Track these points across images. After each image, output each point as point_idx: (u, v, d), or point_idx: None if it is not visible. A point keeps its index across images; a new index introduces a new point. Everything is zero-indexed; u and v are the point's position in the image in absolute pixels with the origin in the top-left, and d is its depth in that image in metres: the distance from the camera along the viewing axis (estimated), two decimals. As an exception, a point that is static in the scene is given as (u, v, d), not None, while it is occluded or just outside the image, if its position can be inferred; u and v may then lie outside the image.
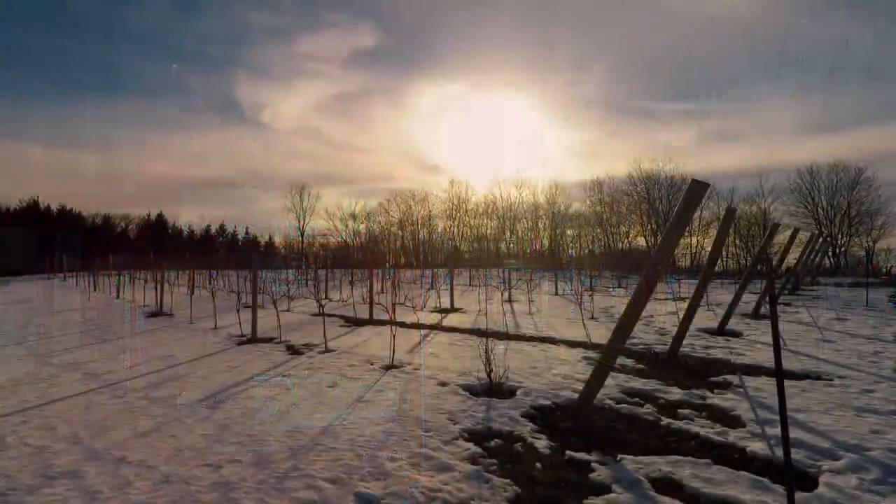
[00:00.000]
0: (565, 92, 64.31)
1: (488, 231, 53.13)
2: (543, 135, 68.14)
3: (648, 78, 61.99)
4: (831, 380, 4.93)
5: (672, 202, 42.12)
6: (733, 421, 3.82)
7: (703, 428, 3.64)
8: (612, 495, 2.68)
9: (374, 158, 75.26)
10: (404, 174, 80.00)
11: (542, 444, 3.39)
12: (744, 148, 56.00)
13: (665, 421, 3.81)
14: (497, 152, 71.80)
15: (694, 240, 42.52)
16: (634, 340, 7.09)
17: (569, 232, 49.75)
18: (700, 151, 55.73)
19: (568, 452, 3.23)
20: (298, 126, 70.66)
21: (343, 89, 71.79)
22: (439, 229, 55.09)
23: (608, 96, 63.82)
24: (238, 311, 8.90)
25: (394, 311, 6.46)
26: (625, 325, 3.74)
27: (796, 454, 3.12)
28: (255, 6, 62.63)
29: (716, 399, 4.35)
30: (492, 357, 4.78)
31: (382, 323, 9.06)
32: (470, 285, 19.01)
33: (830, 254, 37.61)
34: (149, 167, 72.40)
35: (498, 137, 71.01)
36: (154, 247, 25.07)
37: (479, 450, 3.26)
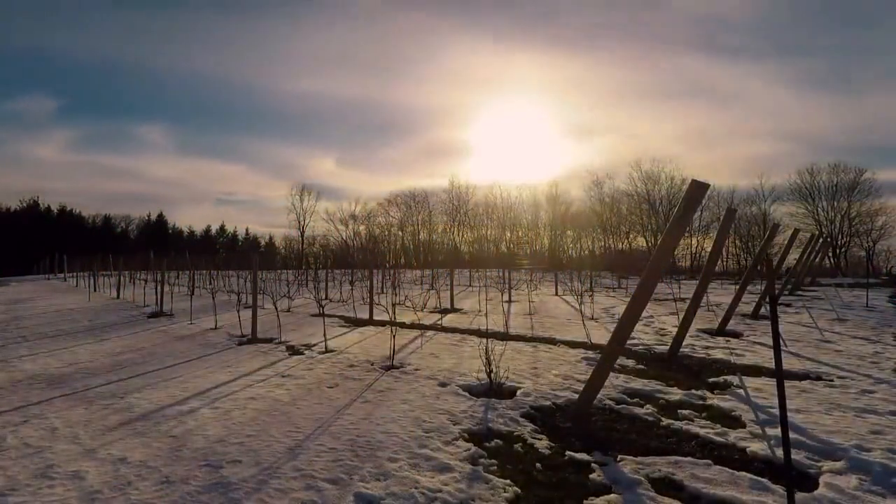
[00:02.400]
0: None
1: (488, 231, 53.16)
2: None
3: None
4: (831, 380, 4.93)
5: (672, 202, 42.12)
6: (733, 421, 3.82)
7: (703, 428, 3.64)
8: (612, 495, 2.68)
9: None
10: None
11: (542, 444, 3.39)
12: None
13: (665, 421, 3.81)
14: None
15: (694, 240, 42.51)
16: (634, 341, 7.09)
17: (569, 232, 49.76)
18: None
19: (568, 453, 3.23)
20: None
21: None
22: (439, 230, 55.12)
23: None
24: (238, 311, 8.91)
25: (394, 312, 6.46)
26: (625, 325, 3.74)
27: (796, 454, 3.12)
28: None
29: (716, 399, 4.35)
30: (492, 357, 4.78)
31: (382, 323, 9.05)
32: (470, 285, 19.00)
33: (830, 254, 37.60)
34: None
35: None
36: (154, 247, 25.07)
37: (479, 450, 3.26)
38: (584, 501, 2.65)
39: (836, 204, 39.56)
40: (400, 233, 56.10)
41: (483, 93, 71.93)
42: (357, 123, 76.06)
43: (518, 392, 4.51)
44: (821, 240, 19.04)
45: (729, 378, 5.03)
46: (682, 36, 59.84)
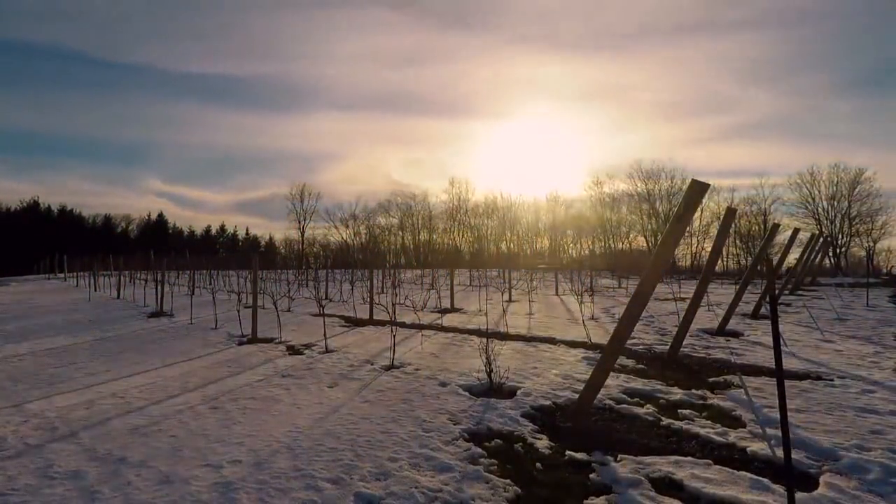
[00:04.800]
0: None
1: (488, 231, 53.18)
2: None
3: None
4: (832, 380, 4.93)
5: (672, 202, 42.13)
6: (734, 421, 3.82)
7: (703, 428, 3.64)
8: (612, 495, 2.68)
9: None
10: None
11: (542, 444, 3.39)
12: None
13: (665, 421, 3.81)
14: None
15: (694, 240, 42.53)
16: (635, 340, 7.09)
17: (569, 232, 49.80)
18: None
19: (568, 452, 3.23)
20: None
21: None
22: (439, 229, 55.18)
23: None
24: (238, 311, 8.91)
25: (394, 312, 6.46)
26: (625, 324, 3.73)
27: (796, 454, 3.12)
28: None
29: (716, 399, 4.35)
30: (492, 357, 4.78)
31: (382, 323, 9.06)
32: (470, 285, 19.00)
33: (831, 254, 37.60)
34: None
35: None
36: (154, 247, 25.11)
37: (479, 450, 3.26)
38: (585, 501, 2.65)
39: (836, 204, 39.58)
40: (400, 233, 56.17)
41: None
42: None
43: (518, 392, 4.51)
44: (821, 239, 19.03)
45: (729, 378, 5.03)
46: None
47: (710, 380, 5.01)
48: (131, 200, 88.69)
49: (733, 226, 33.99)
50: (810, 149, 59.86)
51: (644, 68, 65.79)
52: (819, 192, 40.06)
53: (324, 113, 76.78)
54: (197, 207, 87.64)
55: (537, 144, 73.27)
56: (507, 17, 67.45)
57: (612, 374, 4.81)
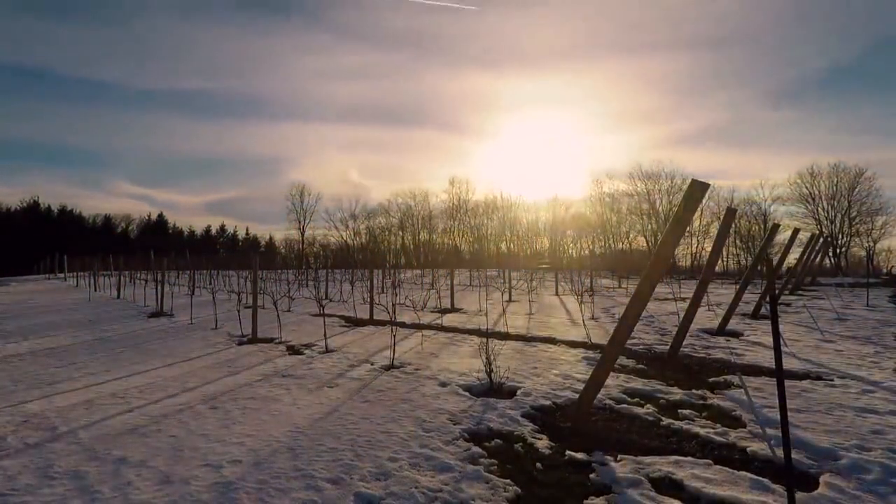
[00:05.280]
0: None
1: (488, 231, 53.19)
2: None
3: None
4: (832, 380, 4.93)
5: (672, 202, 42.13)
6: (734, 421, 3.82)
7: (703, 428, 3.64)
8: (612, 495, 2.68)
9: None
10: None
11: (542, 444, 3.39)
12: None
13: (665, 421, 3.81)
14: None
15: (694, 240, 42.52)
16: (634, 340, 7.09)
17: (569, 232, 49.81)
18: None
19: (568, 452, 3.23)
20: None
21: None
22: (439, 229, 55.22)
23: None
24: (238, 311, 8.91)
25: (394, 312, 6.47)
26: (625, 324, 3.73)
27: (796, 454, 3.11)
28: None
29: (716, 399, 4.35)
30: (492, 357, 4.78)
31: (382, 323, 9.06)
32: (470, 285, 19.00)
33: (831, 254, 37.59)
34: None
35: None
36: (154, 247, 25.11)
37: (479, 450, 3.26)
38: (585, 501, 2.65)
39: (836, 204, 39.57)
40: (400, 233, 56.20)
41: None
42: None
43: (518, 392, 4.51)
44: (821, 239, 19.03)
45: (729, 378, 5.03)
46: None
47: (710, 380, 5.01)
48: (104, 202, 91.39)
49: (733, 226, 33.98)
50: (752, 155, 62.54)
51: (642, 72, 67.24)
52: (819, 191, 40.07)
53: (299, 123, 79.05)
54: (166, 208, 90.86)
55: (534, 148, 73.65)
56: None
57: (612, 374, 4.81)
